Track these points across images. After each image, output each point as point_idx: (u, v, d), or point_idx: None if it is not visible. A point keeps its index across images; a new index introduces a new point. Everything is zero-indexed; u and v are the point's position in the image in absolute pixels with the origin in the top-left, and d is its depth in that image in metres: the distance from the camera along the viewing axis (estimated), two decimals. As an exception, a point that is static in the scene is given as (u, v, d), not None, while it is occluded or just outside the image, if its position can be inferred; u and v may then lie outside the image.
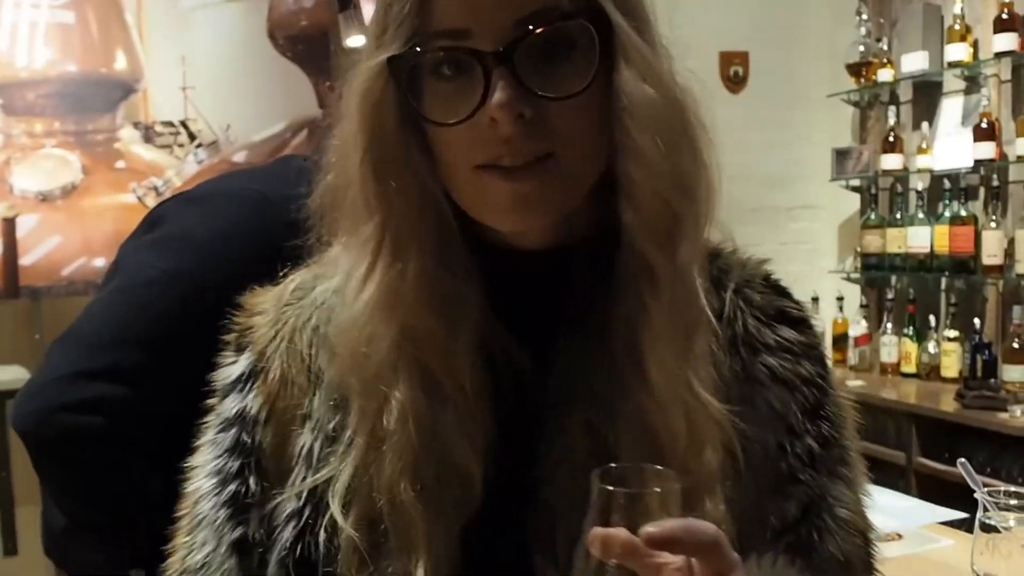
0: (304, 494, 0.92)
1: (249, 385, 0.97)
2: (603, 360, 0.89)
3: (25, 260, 3.89)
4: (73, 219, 3.95)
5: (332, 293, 0.96)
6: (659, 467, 0.76)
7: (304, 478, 0.92)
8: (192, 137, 4.08)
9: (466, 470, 0.87)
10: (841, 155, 4.80)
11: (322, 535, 0.90)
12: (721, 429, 0.88)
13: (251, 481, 0.95)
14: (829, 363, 1.00)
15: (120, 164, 4.04)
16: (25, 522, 3.78)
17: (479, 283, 0.89)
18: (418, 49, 0.83)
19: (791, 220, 5.07)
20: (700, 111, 0.90)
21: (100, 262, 3.88)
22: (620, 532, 0.70)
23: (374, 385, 0.89)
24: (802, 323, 0.99)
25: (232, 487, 0.95)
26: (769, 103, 4.98)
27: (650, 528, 0.69)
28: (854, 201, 4.92)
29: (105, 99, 4.01)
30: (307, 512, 0.91)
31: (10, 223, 3.87)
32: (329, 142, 0.93)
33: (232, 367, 0.99)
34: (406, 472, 0.87)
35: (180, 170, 4.07)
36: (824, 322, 4.72)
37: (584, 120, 0.85)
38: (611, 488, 0.72)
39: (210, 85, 4.05)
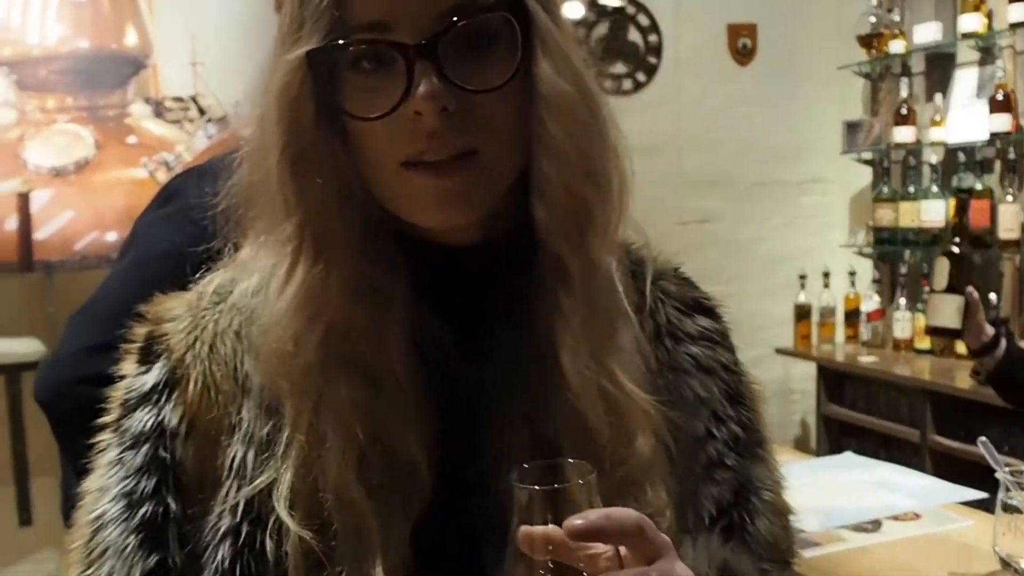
0: (240, 508, 0.87)
1: (165, 396, 0.91)
2: (532, 354, 0.89)
3: (39, 234, 3.92)
4: (86, 194, 3.98)
5: (251, 295, 0.93)
6: (572, 460, 0.77)
7: (238, 490, 0.87)
8: (202, 112, 4.10)
9: (413, 462, 0.86)
10: (852, 128, 4.77)
11: (269, 544, 0.85)
12: (649, 418, 0.88)
13: (169, 500, 0.88)
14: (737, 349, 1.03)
15: (131, 139, 4.06)
16: (40, 493, 3.83)
17: (405, 275, 0.88)
18: (339, 42, 0.82)
19: (801, 194, 5.05)
20: (610, 105, 0.90)
21: (112, 236, 3.92)
22: (546, 528, 0.71)
23: (306, 384, 0.86)
24: (714, 312, 1.01)
25: (146, 509, 0.88)
26: (778, 76, 4.98)
27: (574, 520, 0.70)
28: (865, 175, 4.89)
29: (116, 75, 4.03)
30: (245, 527, 0.86)
31: (24, 198, 3.90)
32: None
33: (142, 377, 0.92)
34: (351, 468, 0.85)
35: (190, 145, 4.09)
36: (836, 297, 4.75)
37: (506, 113, 0.84)
38: (531, 487, 0.73)
39: (219, 60, 4.04)
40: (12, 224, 3.91)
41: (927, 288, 3.87)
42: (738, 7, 4.92)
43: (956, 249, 3.50)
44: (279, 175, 0.85)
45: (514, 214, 0.89)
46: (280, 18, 0.86)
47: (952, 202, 4.16)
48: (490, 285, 0.91)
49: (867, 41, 4.59)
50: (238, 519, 0.86)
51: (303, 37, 0.82)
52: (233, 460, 0.88)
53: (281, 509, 0.85)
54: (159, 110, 4.08)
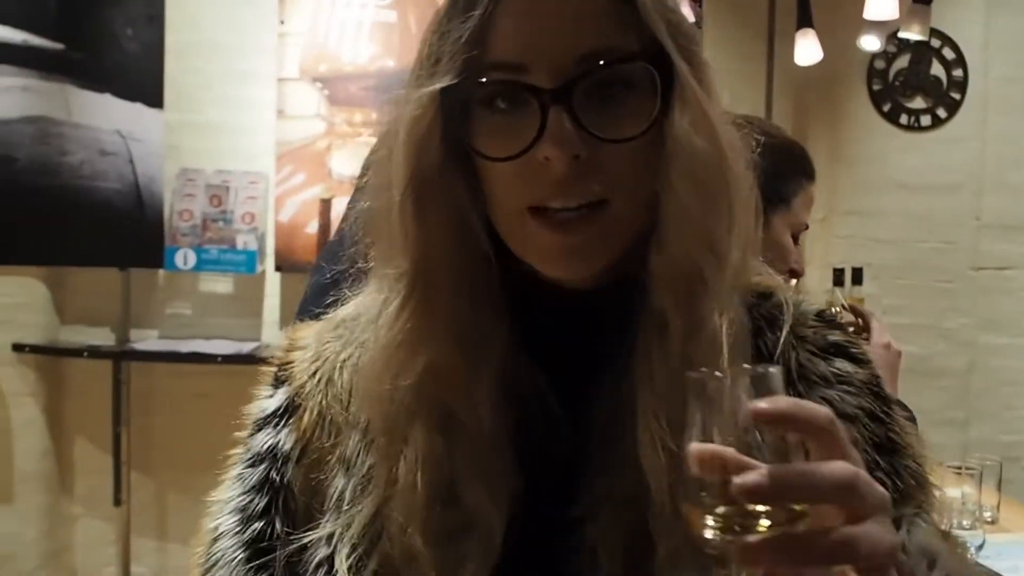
0: (334, 539, 0.88)
1: (284, 421, 0.94)
2: (626, 406, 0.85)
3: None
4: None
5: (370, 328, 0.92)
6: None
7: (335, 522, 0.89)
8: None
9: (483, 515, 0.84)
10: None
11: None
12: None
13: (276, 521, 0.92)
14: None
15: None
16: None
17: (507, 320, 0.87)
18: (479, 80, 0.81)
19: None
20: (743, 162, 0.87)
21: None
22: (721, 449, 0.65)
23: (394, 424, 0.87)
24: (859, 359, 0.95)
25: (256, 526, 0.92)
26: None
27: (761, 404, 0.64)
28: None
29: (414, 93, 4.27)
30: (335, 559, 0.87)
31: (326, 204, 4.14)
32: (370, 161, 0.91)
33: (268, 401, 0.96)
34: (415, 519, 0.84)
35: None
36: None
37: (637, 165, 0.82)
38: (716, 375, 0.67)
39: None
40: (314, 228, 4.14)
41: None
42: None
43: None
44: (401, 209, 0.84)
45: (628, 262, 0.86)
46: (418, 51, 0.87)
47: None
48: (595, 332, 0.89)
49: None
50: (331, 550, 0.88)
51: (438, 73, 0.82)
52: (336, 492, 0.90)
53: (340, 557, 0.86)
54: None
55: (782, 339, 0.92)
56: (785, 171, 1.96)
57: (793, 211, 2.00)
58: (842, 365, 0.93)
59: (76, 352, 4.11)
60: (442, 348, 0.85)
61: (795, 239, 2.03)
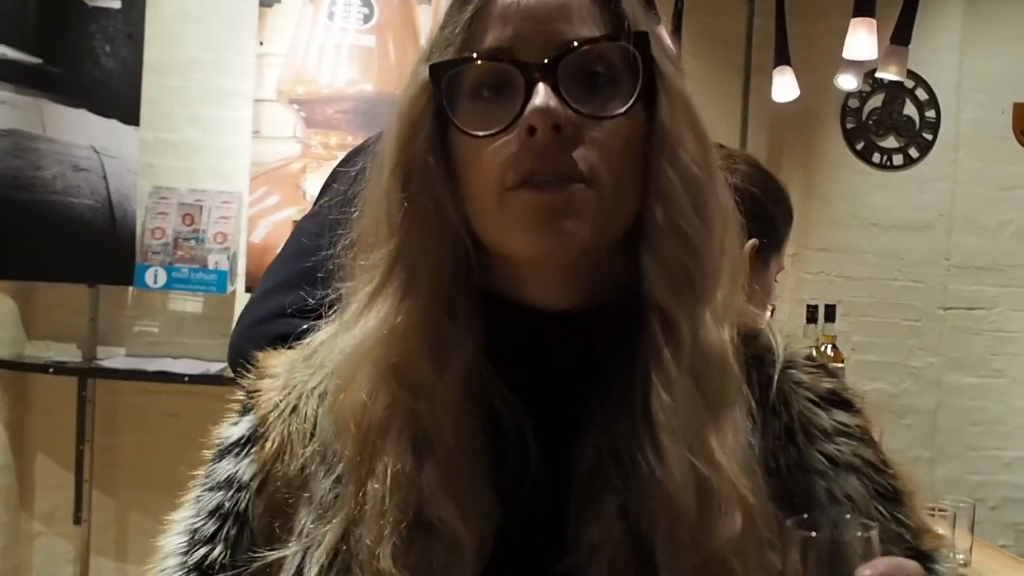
0: (293, 566, 0.86)
1: (246, 450, 0.93)
2: (630, 436, 0.83)
3: (306, 259, 4.16)
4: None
5: (340, 354, 0.90)
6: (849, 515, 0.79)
7: (297, 554, 0.87)
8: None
9: (454, 536, 0.81)
10: None
11: None
12: (743, 499, 0.81)
13: (219, 547, 0.91)
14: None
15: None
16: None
17: (477, 335, 0.86)
18: (468, 59, 0.84)
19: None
20: (723, 176, 0.89)
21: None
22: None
23: (367, 444, 0.85)
24: (852, 405, 0.94)
25: (201, 551, 0.91)
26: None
27: (863, 570, 0.68)
28: None
29: (393, 116, 4.28)
30: None
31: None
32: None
33: (233, 428, 0.95)
34: (387, 541, 0.81)
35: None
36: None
37: (620, 149, 0.83)
38: (815, 535, 0.71)
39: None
40: (285, 248, 4.08)
41: None
42: (1024, 85, 4.62)
43: None
44: (388, 190, 0.86)
45: (614, 283, 0.86)
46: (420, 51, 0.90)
47: None
48: (581, 358, 0.87)
49: None
50: (297, 573, 0.85)
51: (432, 59, 0.86)
52: (299, 519, 0.88)
53: (310, 574, 0.84)
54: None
55: (774, 381, 0.92)
56: (782, 213, 2.00)
57: (783, 252, 2.04)
58: (840, 416, 0.93)
59: (42, 367, 4.08)
60: (405, 350, 0.85)
61: None
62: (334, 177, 1.83)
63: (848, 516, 0.77)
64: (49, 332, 4.23)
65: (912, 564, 0.70)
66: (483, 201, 0.85)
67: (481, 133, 0.83)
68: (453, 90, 0.85)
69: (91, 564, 4.21)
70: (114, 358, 4.22)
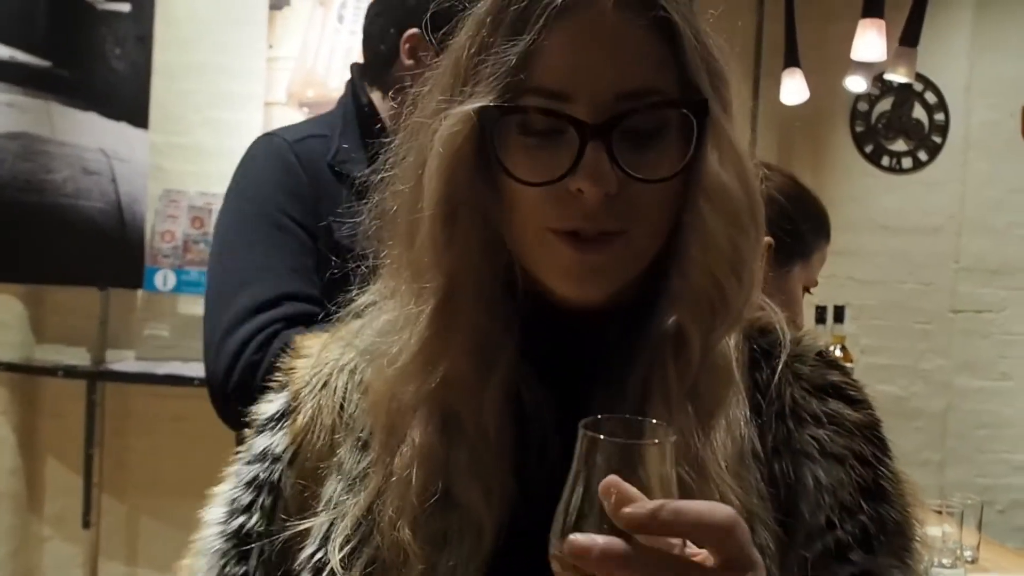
0: (326, 532, 0.90)
1: (279, 424, 0.97)
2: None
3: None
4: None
5: (377, 336, 0.94)
6: (652, 420, 0.77)
7: (328, 524, 0.90)
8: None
9: (477, 519, 0.85)
10: None
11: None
12: (727, 502, 0.82)
13: (255, 518, 0.95)
14: (890, 445, 0.95)
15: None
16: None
17: (516, 331, 0.88)
18: (521, 104, 0.82)
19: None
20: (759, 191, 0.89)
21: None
22: (645, 504, 0.67)
23: (397, 424, 0.89)
24: (858, 402, 0.95)
25: (239, 520, 0.95)
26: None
27: (626, 509, 0.66)
28: None
29: (397, 117, 4.28)
30: (321, 555, 0.89)
31: None
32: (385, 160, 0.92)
33: (270, 405, 0.99)
34: (406, 513, 0.85)
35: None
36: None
37: (663, 201, 0.84)
38: (599, 436, 0.69)
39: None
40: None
41: None
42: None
43: None
44: (431, 224, 0.85)
45: (638, 284, 0.88)
46: (449, 64, 0.87)
47: None
48: (599, 352, 0.90)
49: None
50: (324, 543, 0.90)
51: (479, 93, 0.83)
52: (329, 491, 0.92)
53: (333, 548, 0.88)
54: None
55: (777, 373, 0.94)
56: (812, 226, 2.03)
57: (811, 266, 2.05)
58: (836, 406, 0.94)
59: (51, 371, 4.06)
60: (456, 357, 0.87)
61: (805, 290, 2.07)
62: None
63: (653, 422, 0.75)
64: (58, 335, 4.21)
65: (724, 510, 0.68)
66: (525, 235, 0.86)
67: (530, 180, 0.83)
68: (502, 125, 0.84)
69: (100, 568, 4.21)
70: (123, 361, 4.21)
